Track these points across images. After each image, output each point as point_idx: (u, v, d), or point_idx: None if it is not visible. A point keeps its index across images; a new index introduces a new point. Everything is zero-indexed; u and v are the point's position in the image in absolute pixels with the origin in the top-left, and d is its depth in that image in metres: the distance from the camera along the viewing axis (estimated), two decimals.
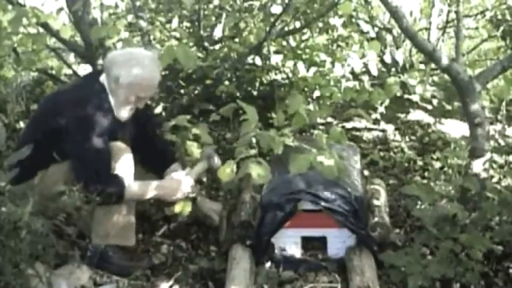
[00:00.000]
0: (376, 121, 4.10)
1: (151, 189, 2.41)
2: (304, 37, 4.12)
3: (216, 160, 2.60)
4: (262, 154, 2.57)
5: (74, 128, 2.30)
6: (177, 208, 2.52)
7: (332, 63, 3.76)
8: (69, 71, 4.09)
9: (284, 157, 2.53)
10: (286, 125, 2.83)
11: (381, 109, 4.02)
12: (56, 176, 2.31)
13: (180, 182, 2.47)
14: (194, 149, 2.88)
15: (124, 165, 2.37)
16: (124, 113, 2.43)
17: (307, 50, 3.88)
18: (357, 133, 3.98)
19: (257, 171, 2.41)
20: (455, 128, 4.03)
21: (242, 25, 4.09)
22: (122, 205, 2.37)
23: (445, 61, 2.56)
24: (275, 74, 3.93)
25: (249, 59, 3.84)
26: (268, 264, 2.42)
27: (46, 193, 2.21)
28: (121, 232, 2.37)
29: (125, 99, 2.39)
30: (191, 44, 3.96)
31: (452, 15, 4.61)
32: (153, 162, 2.68)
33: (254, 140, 2.61)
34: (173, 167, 2.70)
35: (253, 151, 2.50)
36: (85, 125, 2.30)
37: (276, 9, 3.76)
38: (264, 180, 2.44)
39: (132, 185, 2.36)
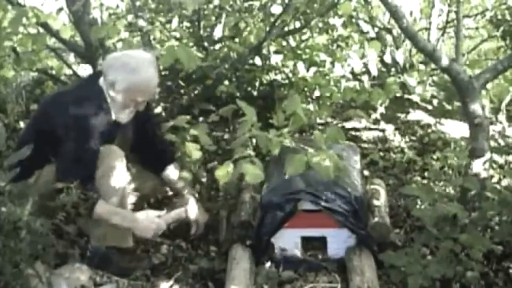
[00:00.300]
0: (376, 121, 4.10)
1: (122, 217, 2.34)
2: (304, 37, 4.11)
3: (197, 211, 2.54)
4: (261, 155, 2.57)
5: (73, 129, 2.30)
6: None
7: (332, 63, 3.76)
8: (69, 71, 4.09)
9: (284, 158, 2.52)
10: (285, 125, 2.83)
11: (381, 109, 4.02)
12: (48, 176, 2.31)
13: (152, 223, 2.39)
14: (193, 150, 2.87)
15: (115, 170, 2.35)
16: (123, 116, 2.42)
17: (307, 50, 3.87)
18: (357, 133, 3.98)
19: (250, 171, 2.39)
20: (455, 128, 4.03)
21: (242, 25, 4.08)
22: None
23: (445, 61, 2.56)
24: (275, 74, 3.93)
25: (249, 59, 3.83)
26: (268, 264, 2.42)
27: (40, 192, 2.21)
28: (118, 234, 2.37)
29: (123, 103, 2.38)
30: (191, 44, 3.95)
31: (452, 15, 4.61)
32: (152, 162, 2.67)
33: (253, 140, 2.60)
34: (170, 168, 2.69)
35: (248, 151, 2.48)
36: (84, 126, 2.30)
37: (276, 9, 3.75)
38: (256, 180, 2.41)
39: (102, 205, 2.29)
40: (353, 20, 4.19)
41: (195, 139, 2.92)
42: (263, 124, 2.73)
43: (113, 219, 2.32)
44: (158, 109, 3.74)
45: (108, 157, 2.34)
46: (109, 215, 2.31)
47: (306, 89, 3.80)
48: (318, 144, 2.51)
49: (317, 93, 3.77)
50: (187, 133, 2.91)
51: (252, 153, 2.53)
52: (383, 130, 4.03)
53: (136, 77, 2.34)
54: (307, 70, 3.73)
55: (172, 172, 2.68)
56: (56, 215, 2.07)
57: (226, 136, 3.72)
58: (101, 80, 2.41)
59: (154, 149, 2.67)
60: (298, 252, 2.47)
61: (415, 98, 4.38)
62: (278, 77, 3.92)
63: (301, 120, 2.70)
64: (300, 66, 3.73)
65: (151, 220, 2.39)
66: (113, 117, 2.40)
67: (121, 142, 2.50)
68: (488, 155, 2.52)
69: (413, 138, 3.94)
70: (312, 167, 2.41)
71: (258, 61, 3.83)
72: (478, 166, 2.51)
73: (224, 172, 2.44)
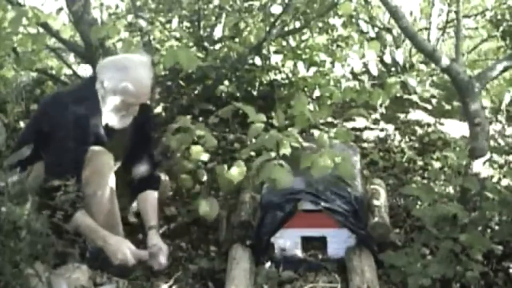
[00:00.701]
0: (376, 121, 4.10)
1: (96, 235, 2.29)
2: (304, 37, 4.12)
3: (159, 262, 2.39)
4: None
5: (67, 128, 2.30)
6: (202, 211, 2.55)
7: (332, 63, 3.77)
8: (69, 71, 4.09)
9: (288, 157, 2.51)
10: (287, 125, 2.83)
11: (381, 109, 4.02)
12: (38, 171, 2.30)
13: (121, 253, 2.30)
14: (200, 152, 2.85)
15: (103, 170, 2.33)
16: (115, 120, 2.40)
17: (307, 50, 3.88)
18: (357, 133, 3.98)
19: (280, 175, 2.33)
20: (455, 128, 4.03)
21: (242, 25, 4.09)
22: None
23: (445, 61, 2.56)
24: (275, 74, 3.93)
25: (249, 59, 3.84)
26: (268, 264, 2.41)
27: (31, 186, 2.20)
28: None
29: (114, 104, 2.36)
30: (191, 44, 3.96)
31: (452, 15, 4.62)
32: (136, 180, 2.60)
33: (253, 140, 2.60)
34: (148, 193, 2.58)
35: (273, 154, 2.44)
36: (75, 126, 2.30)
37: (276, 9, 3.75)
38: (287, 185, 2.35)
39: (82, 216, 2.27)
40: (353, 20, 4.20)
41: (199, 139, 2.91)
42: (263, 124, 2.72)
43: (88, 233, 2.30)
44: (158, 109, 3.75)
45: (96, 158, 2.31)
46: (85, 228, 2.29)
47: (306, 89, 3.80)
48: (320, 144, 2.51)
49: (317, 93, 3.77)
50: (193, 133, 2.89)
51: (273, 155, 2.47)
52: (383, 130, 4.03)
53: (124, 76, 2.33)
54: (307, 70, 3.74)
55: (148, 198, 2.57)
56: (54, 213, 2.07)
57: (227, 136, 3.72)
58: (97, 82, 2.41)
59: (143, 165, 2.59)
60: (298, 252, 2.46)
61: (415, 98, 4.37)
62: (278, 77, 3.93)
63: (306, 120, 2.69)
64: (300, 66, 3.74)
65: (121, 250, 2.30)
66: (105, 120, 2.38)
67: (116, 148, 2.46)
68: (488, 155, 2.52)
69: (413, 138, 3.94)
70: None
71: (258, 61, 3.83)
72: (478, 166, 2.51)
73: (238, 172, 2.42)
